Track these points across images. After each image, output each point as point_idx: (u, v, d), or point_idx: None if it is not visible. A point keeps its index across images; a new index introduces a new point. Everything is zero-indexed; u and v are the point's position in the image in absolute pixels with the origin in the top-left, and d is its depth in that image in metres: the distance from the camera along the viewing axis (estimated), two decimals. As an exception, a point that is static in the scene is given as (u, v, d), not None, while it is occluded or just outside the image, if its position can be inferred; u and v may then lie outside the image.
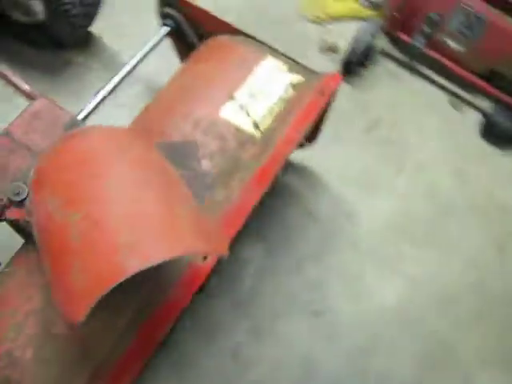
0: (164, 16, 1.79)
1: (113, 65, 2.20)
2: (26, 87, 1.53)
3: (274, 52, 1.69)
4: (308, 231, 2.05)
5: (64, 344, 1.18)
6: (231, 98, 1.58)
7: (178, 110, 1.59)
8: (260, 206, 2.01)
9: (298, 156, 2.12)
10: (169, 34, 1.83)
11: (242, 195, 1.44)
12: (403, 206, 2.14)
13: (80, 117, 1.55)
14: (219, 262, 1.31)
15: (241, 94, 1.59)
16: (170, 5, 1.77)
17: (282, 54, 1.69)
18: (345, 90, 2.35)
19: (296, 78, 1.65)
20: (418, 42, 2.28)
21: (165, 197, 0.99)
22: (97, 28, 2.26)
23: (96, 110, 1.65)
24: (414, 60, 2.40)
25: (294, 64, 1.68)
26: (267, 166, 1.49)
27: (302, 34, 2.43)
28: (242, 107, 1.57)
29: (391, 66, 2.44)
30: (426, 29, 2.25)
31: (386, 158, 2.23)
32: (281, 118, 1.58)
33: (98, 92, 1.63)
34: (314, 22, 2.45)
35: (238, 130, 1.54)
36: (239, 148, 1.53)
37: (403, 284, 1.98)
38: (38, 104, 1.53)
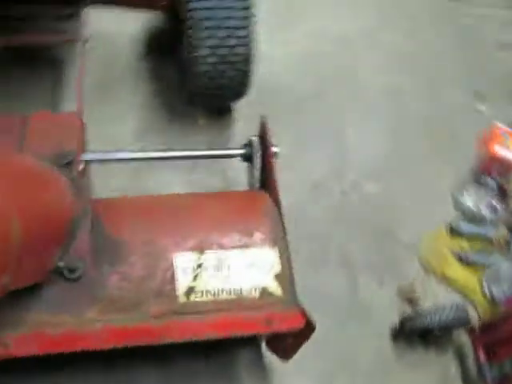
0: (249, 141, 1.70)
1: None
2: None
3: (285, 251, 1.47)
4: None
5: None
6: (199, 251, 1.42)
7: (156, 216, 1.49)
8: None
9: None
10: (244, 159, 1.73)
11: (100, 331, 1.28)
12: None
13: (84, 158, 1.54)
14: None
15: (211, 256, 1.42)
16: (261, 138, 1.67)
17: (289, 261, 1.46)
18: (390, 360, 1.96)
19: (273, 288, 1.41)
20: (487, 374, 1.81)
21: None
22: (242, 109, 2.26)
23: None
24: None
25: (288, 277, 1.44)
26: (147, 329, 1.30)
27: (401, 257, 2.12)
28: (196, 268, 1.40)
29: (456, 369, 1.97)
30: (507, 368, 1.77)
31: None
32: (216, 306, 1.37)
33: (119, 151, 1.61)
34: (424, 265, 2.11)
35: (169, 280, 1.38)
36: (154, 296, 1.36)
37: None
38: (69, 119, 1.58)
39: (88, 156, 1.55)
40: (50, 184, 1.30)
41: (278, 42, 2.42)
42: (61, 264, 1.32)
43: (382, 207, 2.17)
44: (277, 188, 1.56)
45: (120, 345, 1.28)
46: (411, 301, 2.03)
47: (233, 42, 1.79)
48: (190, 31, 1.78)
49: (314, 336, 1.93)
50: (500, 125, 2.28)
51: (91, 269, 1.35)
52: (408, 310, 2.02)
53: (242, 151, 1.69)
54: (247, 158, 1.70)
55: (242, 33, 1.80)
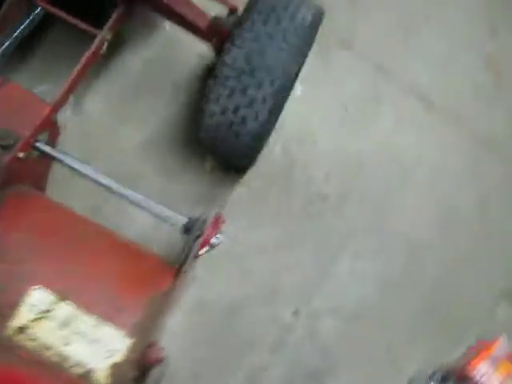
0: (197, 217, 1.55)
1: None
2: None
3: (140, 347, 1.31)
4: None
5: None
6: (60, 298, 1.30)
7: (53, 238, 1.39)
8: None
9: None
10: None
11: None
12: None
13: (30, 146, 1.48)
14: None
15: (65, 310, 1.29)
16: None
17: (137, 359, 1.31)
18: None
19: (100, 376, 1.26)
20: None
21: None
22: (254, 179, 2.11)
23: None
24: None
25: (124, 373, 1.29)
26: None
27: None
28: (43, 311, 1.29)
29: None
30: None
31: None
32: (30, 359, 1.25)
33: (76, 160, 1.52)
34: None
35: (12, 308, 1.27)
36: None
37: None
38: (38, 105, 1.53)
39: (37, 146, 1.49)
40: None
41: (343, 135, 2.24)
42: None
43: (324, 350, 1.92)
44: (179, 283, 1.41)
45: None
46: None
47: (248, 113, 1.65)
48: (212, 81, 1.66)
49: None
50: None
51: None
52: None
53: (184, 221, 1.56)
54: (186, 230, 1.56)
55: (261, 108, 1.65)
